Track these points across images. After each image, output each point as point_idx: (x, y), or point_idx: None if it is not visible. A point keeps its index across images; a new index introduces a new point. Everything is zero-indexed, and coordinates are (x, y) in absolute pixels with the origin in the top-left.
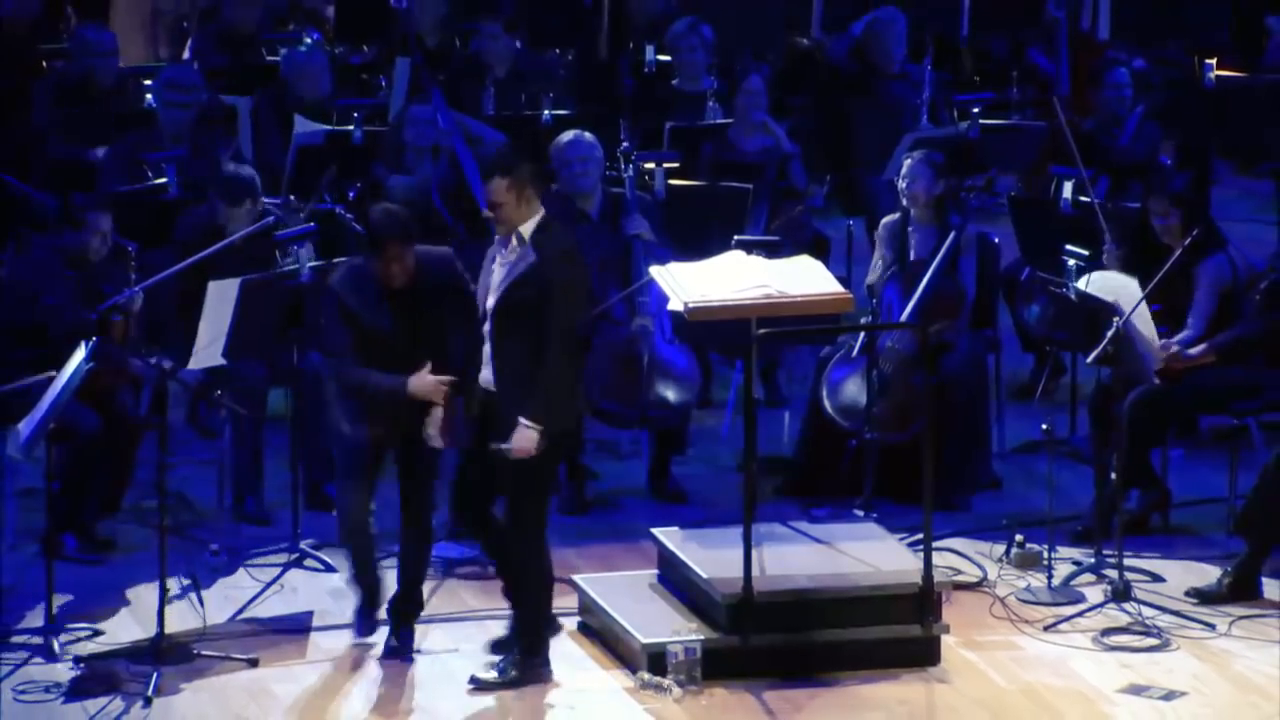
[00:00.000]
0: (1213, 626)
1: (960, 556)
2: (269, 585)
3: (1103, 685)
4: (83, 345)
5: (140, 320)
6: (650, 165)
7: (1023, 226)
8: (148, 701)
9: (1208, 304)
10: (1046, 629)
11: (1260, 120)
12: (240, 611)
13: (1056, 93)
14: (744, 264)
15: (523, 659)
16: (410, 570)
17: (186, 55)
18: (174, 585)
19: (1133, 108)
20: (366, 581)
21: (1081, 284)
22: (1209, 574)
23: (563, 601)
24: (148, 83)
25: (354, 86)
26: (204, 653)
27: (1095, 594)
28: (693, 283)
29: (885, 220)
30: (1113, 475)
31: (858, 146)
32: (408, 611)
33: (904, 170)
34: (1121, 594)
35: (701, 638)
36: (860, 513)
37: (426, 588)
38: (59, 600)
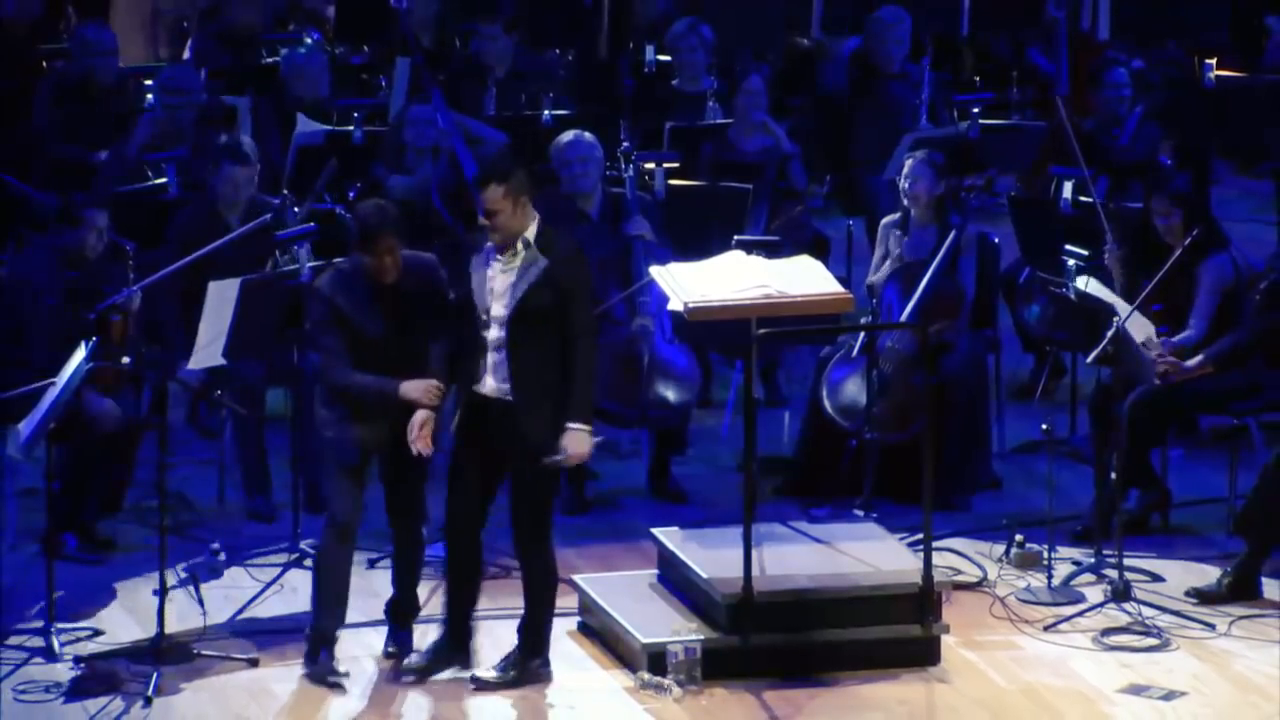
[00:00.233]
0: (1213, 626)
1: (960, 556)
2: (269, 585)
3: (1103, 685)
4: (83, 345)
5: (139, 320)
6: (650, 165)
7: (1023, 226)
8: (148, 701)
9: (1209, 304)
10: (1046, 629)
11: (1260, 120)
12: (240, 611)
13: (1057, 93)
14: (744, 264)
15: (524, 658)
16: (405, 574)
17: (186, 55)
18: (171, 577)
19: (1132, 108)
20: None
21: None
22: (1209, 574)
23: (563, 601)
24: (148, 83)
25: (354, 86)
26: (204, 653)
27: (1095, 594)
28: (693, 283)
29: (885, 220)
30: (1113, 475)
31: (858, 146)
32: (405, 614)
33: (905, 170)
34: (1121, 594)
35: (701, 638)
36: (860, 513)
37: (425, 588)
38: (59, 600)
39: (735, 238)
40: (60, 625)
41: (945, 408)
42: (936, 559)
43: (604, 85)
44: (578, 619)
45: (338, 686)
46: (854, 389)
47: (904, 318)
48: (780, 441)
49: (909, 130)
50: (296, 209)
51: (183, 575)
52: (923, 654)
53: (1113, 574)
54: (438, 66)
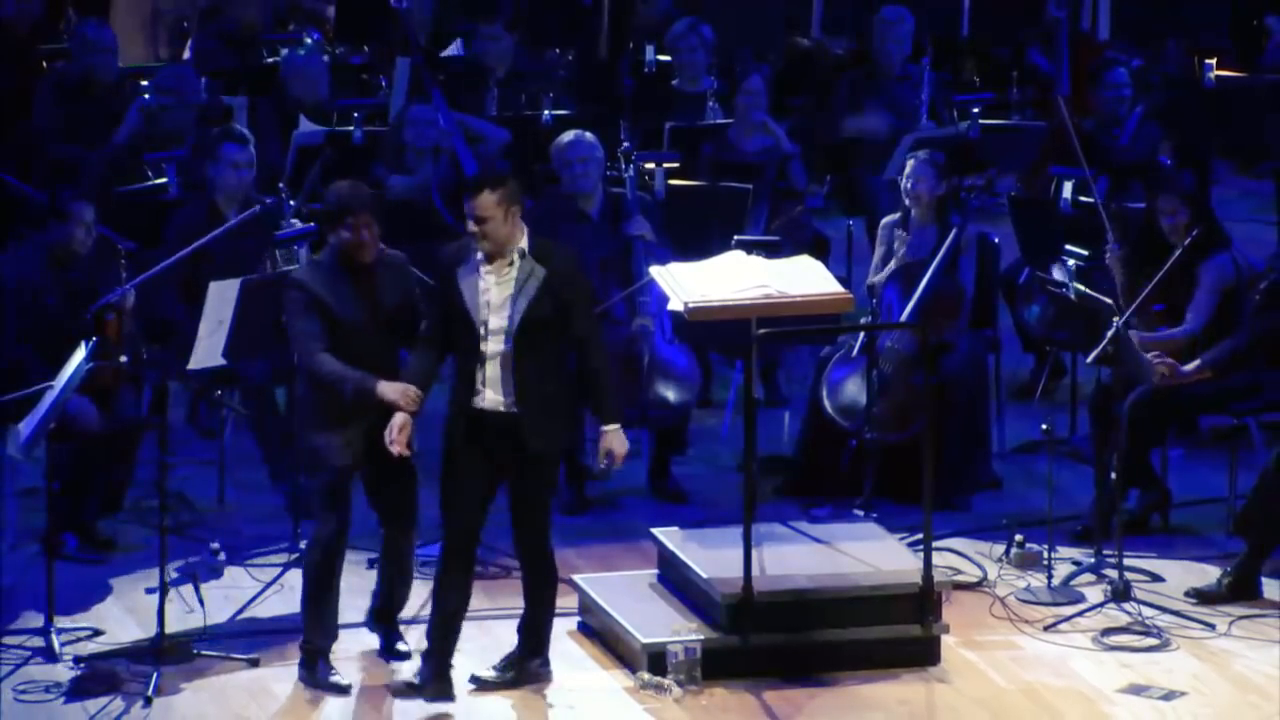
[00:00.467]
0: (1212, 626)
1: (960, 556)
2: (269, 585)
3: (1103, 685)
4: (83, 345)
5: (134, 318)
6: (650, 165)
7: (1023, 226)
8: (148, 701)
9: (1208, 302)
10: (1046, 629)
11: (1260, 120)
12: (240, 611)
13: (1059, 93)
14: (744, 264)
15: (523, 658)
16: (390, 581)
17: (187, 55)
18: (172, 572)
19: (1132, 108)
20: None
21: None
22: (1209, 574)
23: (563, 601)
24: (144, 83)
25: (354, 86)
26: (204, 653)
27: (1095, 594)
28: (693, 283)
29: (885, 220)
30: (1113, 475)
31: (858, 146)
32: (388, 615)
33: (907, 170)
34: (1121, 594)
35: (701, 638)
36: (860, 513)
37: (424, 588)
38: (59, 600)
39: (735, 238)
40: (60, 625)
41: (945, 408)
42: (936, 559)
43: (604, 85)
44: (578, 619)
45: (338, 688)
46: (854, 389)
47: (904, 318)
48: (780, 441)
49: (909, 130)
50: (292, 202)
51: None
52: (923, 654)
53: (1113, 574)
54: (437, 67)
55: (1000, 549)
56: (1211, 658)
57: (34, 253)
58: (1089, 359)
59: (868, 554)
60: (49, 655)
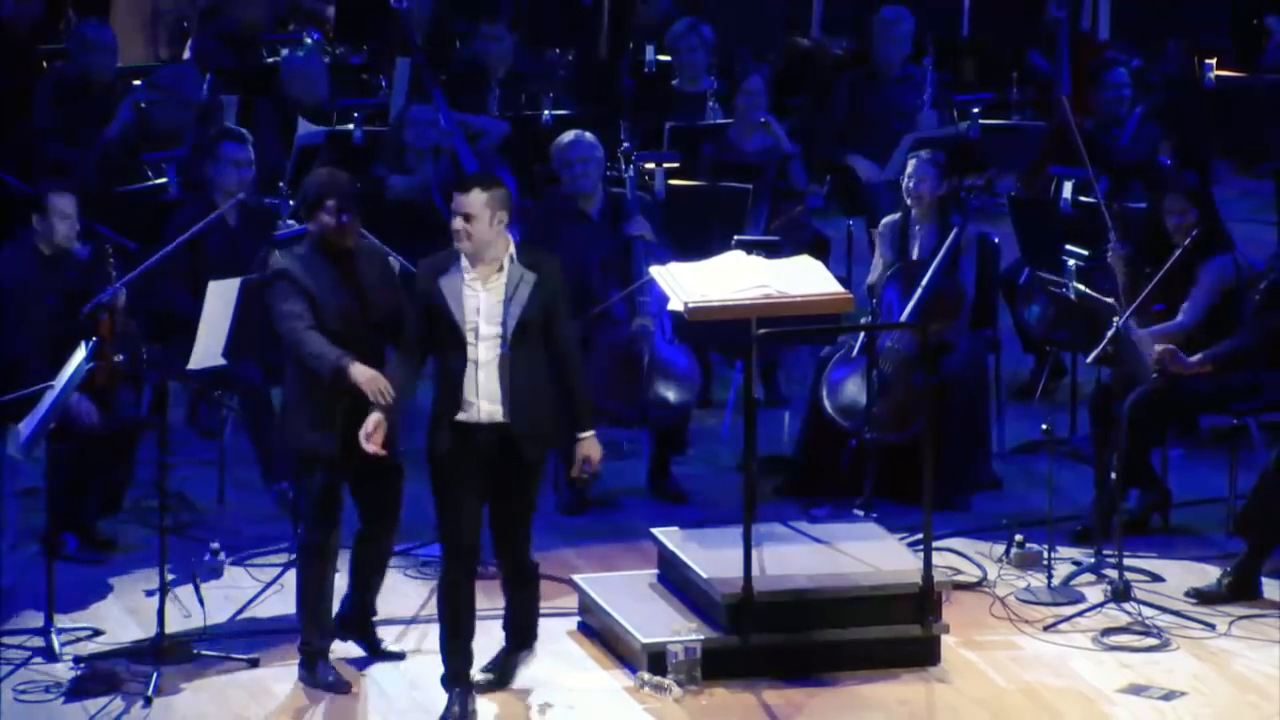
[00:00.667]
0: (1212, 626)
1: (960, 556)
2: (269, 585)
3: (1103, 685)
4: (83, 345)
5: (136, 317)
6: (650, 165)
7: (1023, 226)
8: (148, 701)
9: (1204, 300)
10: (1046, 629)
11: (1260, 120)
12: (240, 611)
13: (1060, 92)
14: (744, 264)
15: (512, 653)
16: (364, 583)
17: (187, 55)
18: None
19: (1132, 108)
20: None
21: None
22: (1209, 574)
23: (563, 601)
24: (137, 83)
25: (354, 86)
26: (204, 653)
27: (1095, 594)
28: (693, 283)
29: (885, 220)
30: (1113, 475)
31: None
32: (362, 622)
33: (909, 170)
34: (1121, 594)
35: (701, 638)
36: (860, 513)
37: (425, 588)
38: (59, 600)
39: (735, 238)
40: (60, 625)
41: (945, 408)
42: (936, 559)
43: (604, 85)
44: (578, 619)
45: (339, 686)
46: (854, 389)
47: (904, 318)
48: (780, 441)
49: (909, 130)
50: (292, 202)
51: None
52: (923, 654)
53: (1113, 574)
54: (438, 67)
55: (1000, 549)
56: (1211, 658)
57: (28, 252)
58: (1089, 359)
59: (868, 554)
60: (49, 655)
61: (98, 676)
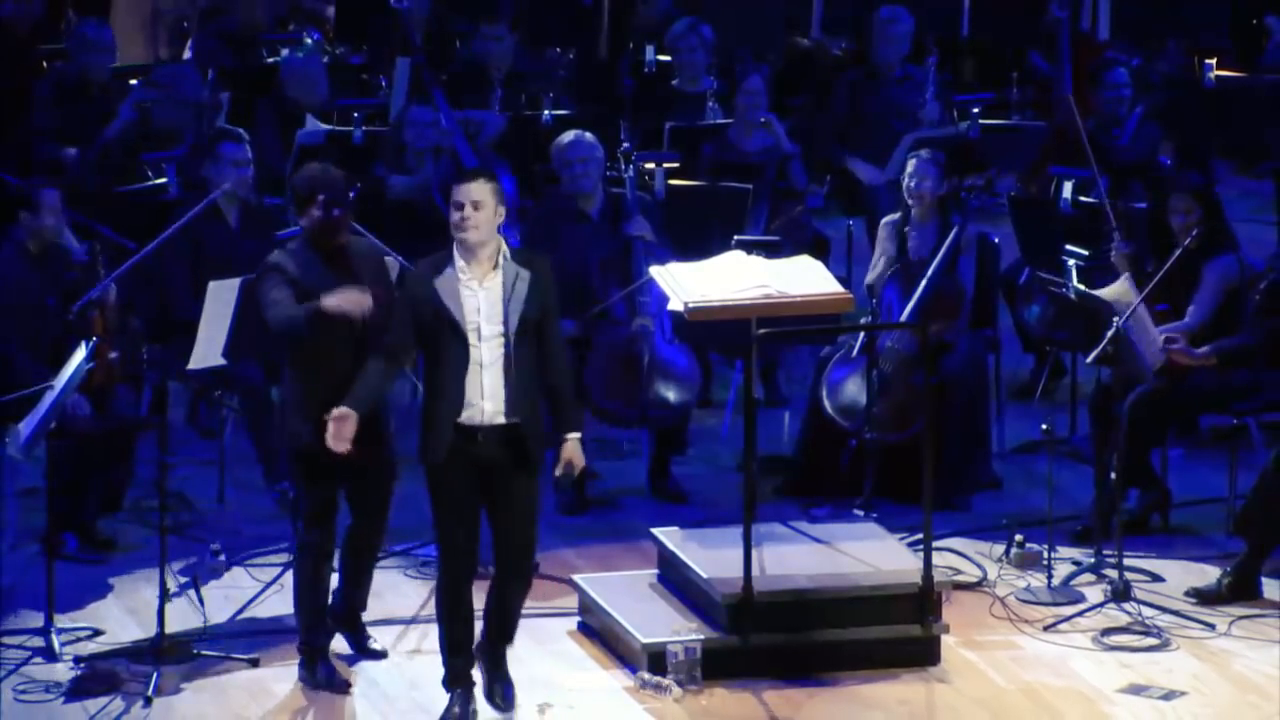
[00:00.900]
0: (1212, 626)
1: (960, 556)
2: (269, 585)
3: (1103, 685)
4: (83, 345)
5: (134, 316)
6: (650, 165)
7: (1023, 226)
8: (148, 701)
9: (1211, 299)
10: (1046, 629)
11: (1260, 120)
12: (240, 611)
13: (1063, 92)
14: (744, 264)
15: (495, 644)
16: (354, 579)
17: (187, 55)
18: (172, 584)
19: (1132, 108)
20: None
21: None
22: (1209, 574)
23: (563, 601)
24: (133, 82)
25: (354, 86)
26: (204, 653)
27: (1095, 594)
28: (693, 283)
29: (885, 220)
30: (1113, 475)
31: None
32: (351, 618)
33: (910, 169)
34: (1121, 594)
35: (701, 638)
36: (860, 513)
37: (425, 588)
38: (59, 600)
39: (735, 238)
40: (60, 625)
41: (945, 408)
42: (936, 559)
43: (604, 85)
44: (578, 619)
45: (339, 686)
46: (854, 389)
47: (904, 318)
48: (780, 441)
49: (909, 130)
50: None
51: (182, 581)
52: (923, 654)
53: (1113, 574)
54: (437, 67)
55: (1000, 549)
56: (1211, 658)
57: (16, 251)
58: (1089, 359)
59: (868, 554)
60: (49, 655)
61: (98, 676)
